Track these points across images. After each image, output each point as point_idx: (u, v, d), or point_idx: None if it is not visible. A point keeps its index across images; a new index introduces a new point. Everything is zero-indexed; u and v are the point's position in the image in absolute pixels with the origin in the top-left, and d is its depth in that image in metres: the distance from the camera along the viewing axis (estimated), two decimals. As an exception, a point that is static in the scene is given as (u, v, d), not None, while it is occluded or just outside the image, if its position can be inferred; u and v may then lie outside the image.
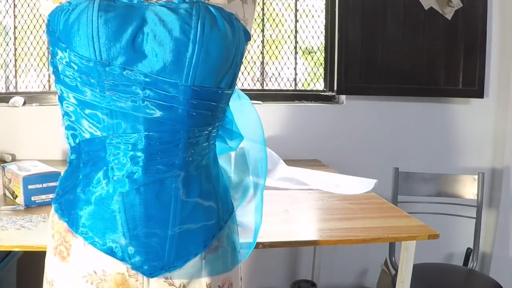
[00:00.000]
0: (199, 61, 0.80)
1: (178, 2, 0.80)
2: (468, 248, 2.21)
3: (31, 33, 2.30)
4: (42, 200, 1.49)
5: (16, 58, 2.31)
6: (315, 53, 2.58)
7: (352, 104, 2.45)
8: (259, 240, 1.02)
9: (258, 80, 2.54)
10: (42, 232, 1.19)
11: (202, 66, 0.80)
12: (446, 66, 2.42)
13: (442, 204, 2.21)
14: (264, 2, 2.46)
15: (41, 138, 2.20)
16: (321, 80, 2.58)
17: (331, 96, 2.53)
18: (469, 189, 2.22)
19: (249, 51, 2.46)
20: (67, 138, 0.87)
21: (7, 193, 1.57)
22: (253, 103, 1.03)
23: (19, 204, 1.48)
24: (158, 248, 0.84)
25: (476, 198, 2.19)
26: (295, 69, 2.54)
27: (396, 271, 1.98)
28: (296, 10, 2.50)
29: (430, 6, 2.36)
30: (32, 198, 1.48)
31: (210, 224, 0.89)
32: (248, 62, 2.50)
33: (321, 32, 2.53)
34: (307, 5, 2.51)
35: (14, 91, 2.33)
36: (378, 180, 1.86)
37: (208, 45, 0.80)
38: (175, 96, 0.80)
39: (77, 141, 0.85)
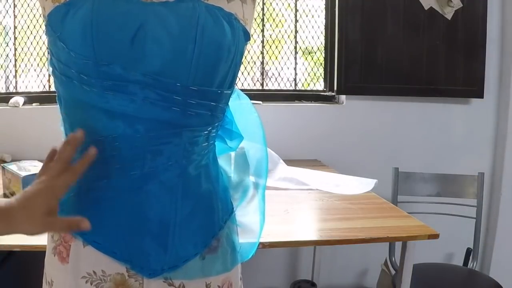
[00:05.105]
0: (199, 61, 0.79)
1: (178, 2, 0.79)
2: (468, 248, 2.21)
3: (31, 33, 2.30)
4: (42, 200, 1.48)
5: (16, 58, 2.31)
6: (315, 53, 2.57)
7: (352, 104, 2.45)
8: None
9: (258, 80, 2.54)
10: (42, 232, 1.19)
11: (202, 66, 0.80)
12: (446, 66, 2.42)
13: (442, 204, 2.21)
14: (264, 2, 2.46)
15: (41, 138, 2.19)
16: (321, 80, 2.58)
17: (331, 96, 2.53)
18: (469, 189, 2.22)
19: (249, 51, 2.46)
20: (67, 138, 0.87)
21: (7, 193, 1.57)
22: (253, 103, 1.03)
23: (19, 204, 1.48)
24: (157, 248, 0.84)
25: (476, 198, 2.19)
26: (295, 69, 2.54)
27: (396, 271, 1.98)
28: (296, 10, 2.50)
29: (430, 6, 2.36)
30: (32, 198, 1.47)
31: (209, 224, 0.89)
32: (248, 62, 2.49)
33: (321, 32, 2.53)
34: (307, 5, 2.51)
35: (14, 91, 2.33)
36: (378, 180, 1.86)
37: (207, 45, 0.79)
38: (174, 96, 0.80)
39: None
